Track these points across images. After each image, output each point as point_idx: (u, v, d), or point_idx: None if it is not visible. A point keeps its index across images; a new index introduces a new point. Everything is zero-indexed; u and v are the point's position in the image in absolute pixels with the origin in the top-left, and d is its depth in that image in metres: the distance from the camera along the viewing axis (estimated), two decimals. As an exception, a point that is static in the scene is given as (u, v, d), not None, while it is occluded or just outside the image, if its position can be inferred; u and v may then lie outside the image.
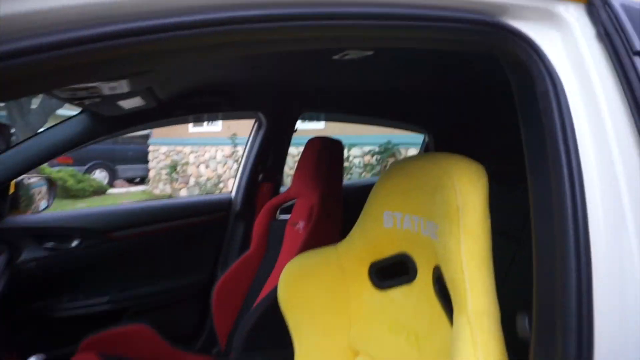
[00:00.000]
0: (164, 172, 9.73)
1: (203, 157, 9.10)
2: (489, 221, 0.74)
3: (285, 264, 1.70)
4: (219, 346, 1.75)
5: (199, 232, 2.07)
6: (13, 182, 1.92)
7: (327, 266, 1.05)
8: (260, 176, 2.08)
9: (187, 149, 9.47)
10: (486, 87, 1.71)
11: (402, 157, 6.20)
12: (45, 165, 9.37)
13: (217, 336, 1.75)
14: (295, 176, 1.77)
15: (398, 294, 0.96)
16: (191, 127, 9.73)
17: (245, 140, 2.15)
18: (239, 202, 2.09)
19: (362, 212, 1.02)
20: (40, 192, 2.10)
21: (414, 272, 0.92)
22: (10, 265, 1.75)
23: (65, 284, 1.89)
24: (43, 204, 1.99)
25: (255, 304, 1.70)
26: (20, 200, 1.93)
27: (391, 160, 6.22)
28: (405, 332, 0.92)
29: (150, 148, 10.36)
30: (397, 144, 6.19)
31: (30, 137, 1.61)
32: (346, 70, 1.62)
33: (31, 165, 1.55)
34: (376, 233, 0.98)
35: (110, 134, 1.71)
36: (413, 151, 6.19)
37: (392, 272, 1.00)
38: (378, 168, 6.41)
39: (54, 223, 1.85)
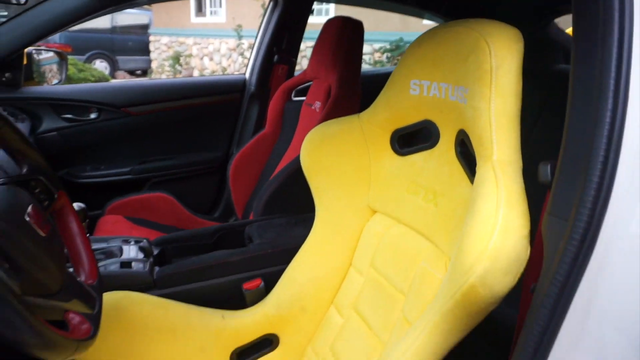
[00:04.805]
0: (166, 63, 9.51)
1: (207, 49, 8.83)
2: (521, 84, 0.75)
3: (301, 140, 1.76)
4: (236, 216, 1.87)
5: (214, 111, 2.09)
6: (25, 52, 1.89)
7: (350, 133, 1.09)
8: (275, 58, 2.04)
9: (190, 41, 9.16)
10: None
11: (413, 55, 6.00)
12: (44, 52, 9.20)
13: (234, 207, 1.85)
14: (312, 58, 1.74)
15: (418, 159, 1.00)
16: (193, 17, 9.33)
17: (253, 32, 2.06)
18: (254, 83, 2.08)
19: (388, 82, 1.03)
20: (51, 70, 2.09)
21: (437, 139, 0.95)
22: (33, 135, 1.80)
23: (87, 154, 1.96)
24: (56, 80, 1.99)
25: (272, 176, 1.78)
26: (33, 72, 1.92)
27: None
28: (422, 191, 0.97)
29: (151, 38, 10.05)
30: (409, 42, 5.93)
31: (37, 4, 1.54)
32: None
33: (41, 34, 1.50)
34: (401, 101, 0.99)
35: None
36: (425, 50, 5.97)
37: (413, 139, 1.04)
38: (388, 66, 6.24)
39: (71, 95, 1.86)
